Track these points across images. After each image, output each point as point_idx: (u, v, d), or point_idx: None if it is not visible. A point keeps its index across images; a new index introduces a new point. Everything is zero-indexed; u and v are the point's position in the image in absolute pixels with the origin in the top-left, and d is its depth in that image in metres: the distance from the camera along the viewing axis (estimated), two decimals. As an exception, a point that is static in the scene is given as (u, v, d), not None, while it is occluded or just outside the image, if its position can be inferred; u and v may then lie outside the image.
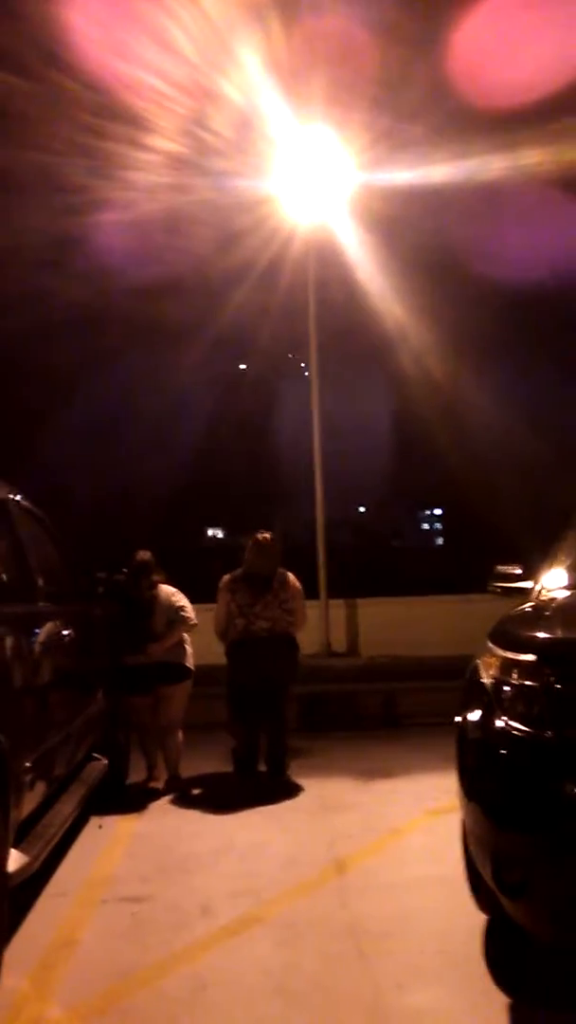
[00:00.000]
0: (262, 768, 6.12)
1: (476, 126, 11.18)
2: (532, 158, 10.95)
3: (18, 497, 4.71)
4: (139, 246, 13.62)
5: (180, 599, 6.17)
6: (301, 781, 6.01)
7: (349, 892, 4.16)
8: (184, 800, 5.80)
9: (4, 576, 4.12)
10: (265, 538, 6.16)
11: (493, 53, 10.57)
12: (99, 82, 9.99)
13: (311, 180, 9.85)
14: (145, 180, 10.84)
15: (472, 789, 3.32)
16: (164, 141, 10.42)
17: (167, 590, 6.18)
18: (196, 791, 5.97)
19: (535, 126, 10.72)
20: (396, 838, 4.90)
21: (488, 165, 11.00)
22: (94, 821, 5.27)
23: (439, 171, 10.80)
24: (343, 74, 10.66)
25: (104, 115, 10.22)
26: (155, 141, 10.40)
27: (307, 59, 10.31)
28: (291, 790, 5.87)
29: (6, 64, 9.86)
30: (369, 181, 10.33)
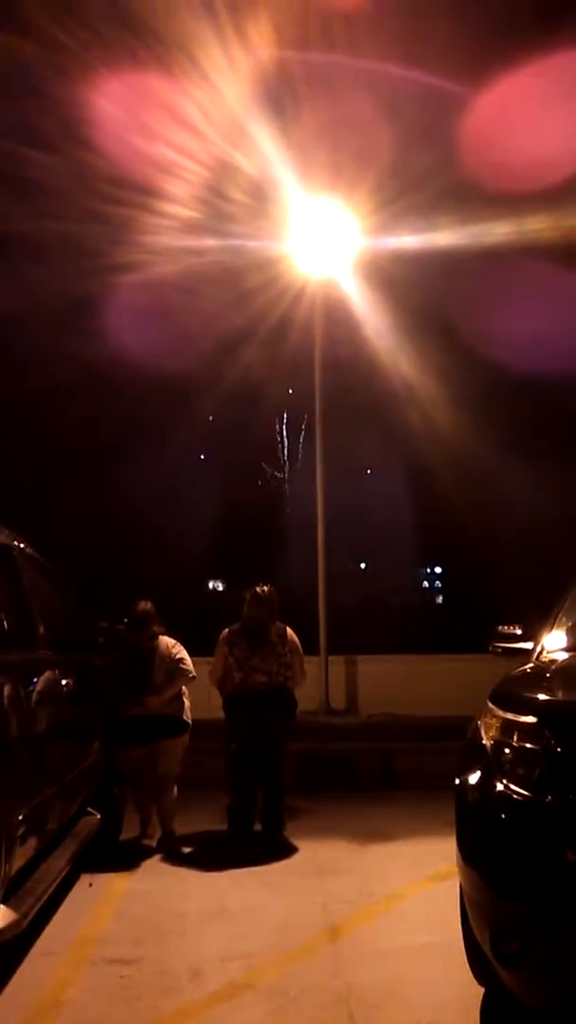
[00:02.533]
0: (258, 827, 6.02)
1: (479, 195, 11.50)
2: (535, 225, 11.24)
3: (22, 545, 4.73)
4: (154, 305, 13.94)
5: (180, 651, 6.14)
6: (297, 842, 5.90)
7: (343, 959, 4.06)
8: (177, 858, 5.70)
9: (5, 623, 4.12)
10: (264, 590, 6.16)
11: (497, 129, 10.91)
12: (119, 157, 10.37)
13: (319, 243, 10.09)
14: (161, 244, 11.16)
15: (470, 854, 3.27)
16: (180, 208, 10.77)
17: (167, 642, 6.16)
18: (190, 849, 5.87)
19: (540, 197, 11.03)
20: (393, 904, 4.79)
21: (491, 231, 11.28)
22: (85, 878, 5.17)
23: (443, 236, 11.08)
24: (351, 144, 11.02)
25: (123, 186, 10.59)
26: (172, 208, 10.75)
27: (316, 130, 10.68)
28: (286, 851, 5.76)
29: (30, 139, 10.25)
30: (375, 245, 10.58)
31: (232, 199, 10.88)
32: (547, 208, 10.91)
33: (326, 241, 10.04)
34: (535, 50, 9.97)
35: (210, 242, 11.17)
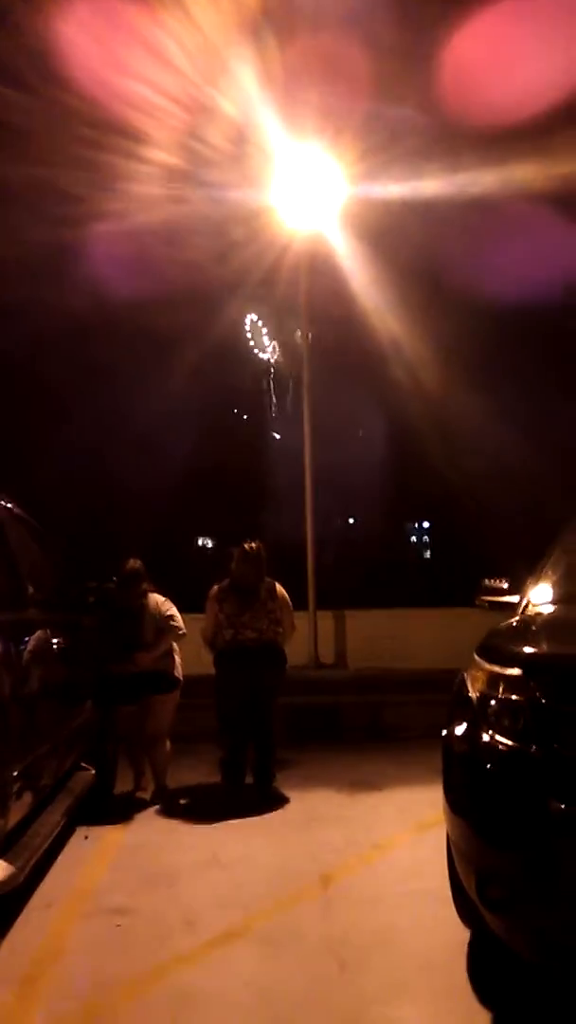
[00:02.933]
0: (249, 779, 6.12)
1: (467, 140, 11.30)
2: (523, 172, 11.08)
3: (8, 504, 4.71)
4: (136, 256, 13.68)
5: (169, 608, 6.17)
6: (288, 793, 6.01)
7: (334, 906, 4.16)
8: (171, 811, 5.79)
9: (-6, 585, 4.13)
10: (252, 547, 6.17)
11: (483, 69, 10.67)
12: (96, 96, 10.05)
13: (304, 192, 9.91)
14: (141, 192, 10.91)
15: (457, 803, 3.34)
16: (160, 153, 10.50)
17: (156, 599, 6.18)
18: (183, 802, 5.96)
19: (526, 141, 10.84)
20: (381, 852, 4.90)
21: (479, 179, 11.12)
22: (80, 831, 5.26)
23: (430, 184, 10.91)
24: (335, 89, 10.76)
25: (101, 128, 10.29)
26: (152, 153, 10.48)
27: (300, 74, 10.41)
28: (278, 802, 5.87)
29: (3, 78, 9.91)
30: (362, 193, 10.41)
31: (214, 145, 10.63)
32: (533, 151, 10.73)
33: (311, 190, 9.87)
34: None
35: (192, 190, 10.96)
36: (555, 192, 11.42)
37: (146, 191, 10.90)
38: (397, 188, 10.70)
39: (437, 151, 11.04)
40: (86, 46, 9.64)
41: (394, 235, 12.13)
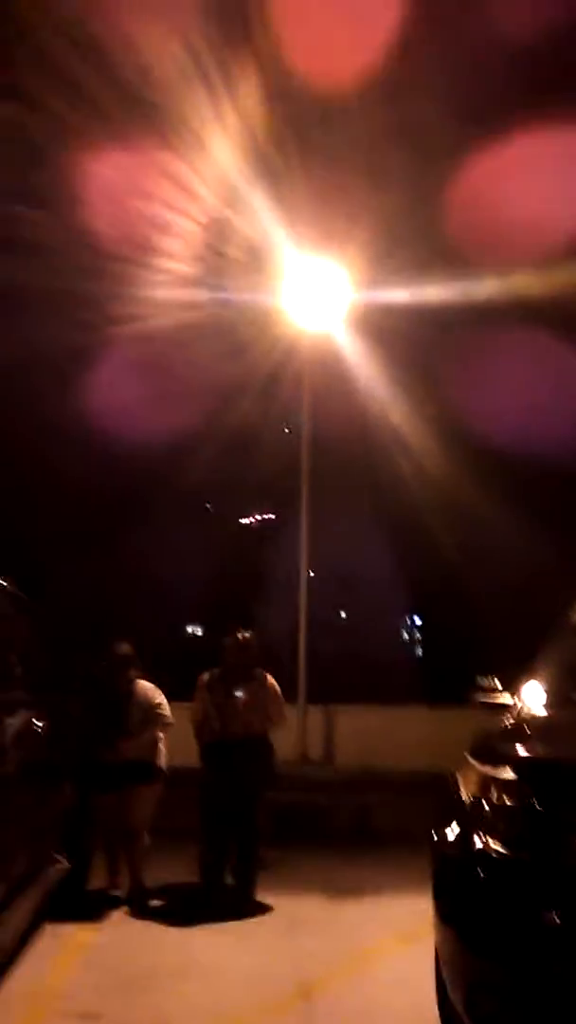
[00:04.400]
0: (230, 880, 5.89)
1: (469, 254, 11.80)
2: (522, 284, 11.52)
3: (2, 583, 4.69)
4: (149, 358, 14.18)
5: (157, 696, 6.06)
6: (269, 897, 5.77)
7: (314, 1018, 3.96)
8: (146, 910, 5.55)
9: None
10: (244, 636, 6.12)
11: (485, 193, 11.25)
12: (116, 217, 10.67)
13: (313, 299, 10.31)
14: (157, 299, 11.41)
15: (447, 912, 3.22)
16: (178, 264, 11.04)
17: (145, 686, 6.08)
18: (159, 901, 5.72)
19: (526, 257, 11.33)
20: (366, 963, 4.69)
21: (479, 289, 11.56)
22: (49, 928, 5.02)
23: (433, 291, 11.34)
24: (343, 204, 11.33)
25: (121, 245, 10.87)
26: (170, 265, 11.02)
27: (309, 191, 10.99)
28: (259, 906, 5.63)
29: (31, 203, 10.52)
30: (367, 299, 10.81)
31: (227, 257, 11.16)
32: (533, 269, 11.19)
33: (318, 295, 10.25)
34: (524, 120, 10.33)
35: (204, 296, 11.43)
36: (552, 307, 11.86)
37: (163, 298, 11.42)
38: (401, 294, 11.13)
39: (439, 262, 11.53)
40: (109, 175, 10.34)
41: (396, 337, 12.53)
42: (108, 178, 10.41)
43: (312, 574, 10.79)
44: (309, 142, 11.13)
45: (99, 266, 11.21)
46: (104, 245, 11.01)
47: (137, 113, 9.95)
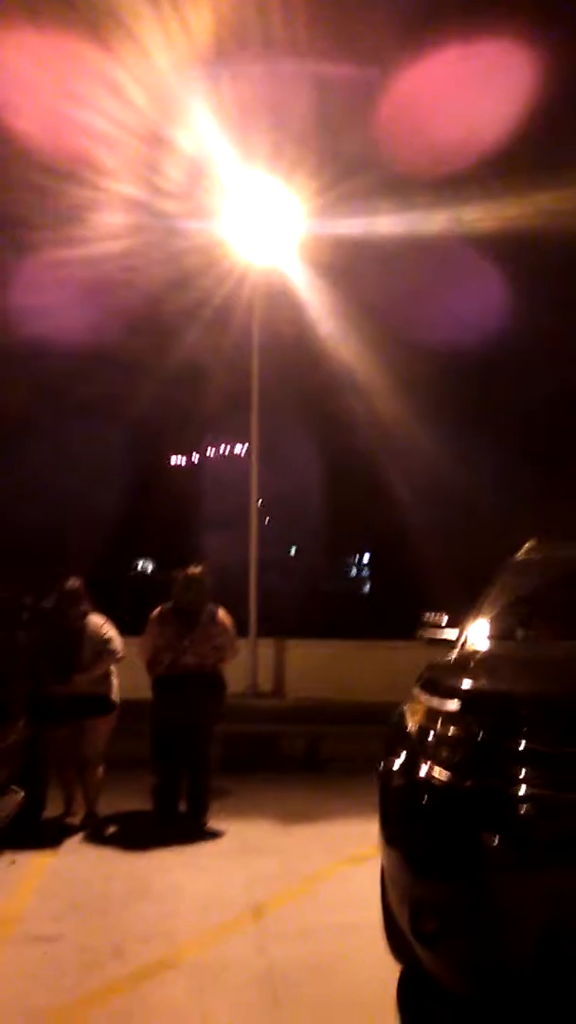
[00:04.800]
0: (182, 808, 6.05)
1: (419, 181, 11.62)
2: (472, 214, 11.42)
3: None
4: (92, 284, 13.69)
5: (109, 630, 6.10)
6: (221, 823, 5.95)
7: (266, 937, 4.13)
8: (101, 838, 5.69)
9: None
10: (196, 571, 6.16)
11: (434, 114, 11.03)
12: (50, 125, 10.10)
13: (259, 226, 10.04)
14: (98, 220, 10.95)
15: (392, 835, 3.37)
16: (117, 184, 10.56)
17: (96, 620, 6.11)
18: (113, 829, 5.86)
19: (475, 183, 11.21)
20: (315, 884, 4.89)
21: (431, 218, 11.43)
22: (6, 856, 5.13)
23: (384, 222, 11.16)
24: (291, 124, 10.98)
25: (56, 156, 10.33)
26: (108, 184, 10.53)
27: (255, 110, 10.60)
28: (210, 832, 5.81)
29: None
30: (317, 229, 10.60)
31: (170, 177, 10.73)
32: (481, 195, 11.08)
33: (266, 222, 10.00)
34: (457, 34, 10.09)
35: (148, 220, 11.02)
36: (497, 232, 11.80)
37: (103, 220, 10.94)
38: (352, 224, 10.93)
39: (388, 191, 11.33)
40: (42, 76, 9.68)
41: (349, 270, 12.37)
42: (41, 80, 9.77)
43: (260, 502, 10.80)
44: (257, 56, 10.69)
45: (35, 181, 10.68)
46: (39, 157, 10.42)
47: (72, 8, 9.34)
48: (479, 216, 11.38)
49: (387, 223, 11.13)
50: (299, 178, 10.13)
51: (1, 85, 9.89)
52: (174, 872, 5.01)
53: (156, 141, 10.55)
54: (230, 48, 10.28)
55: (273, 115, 10.86)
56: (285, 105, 11.19)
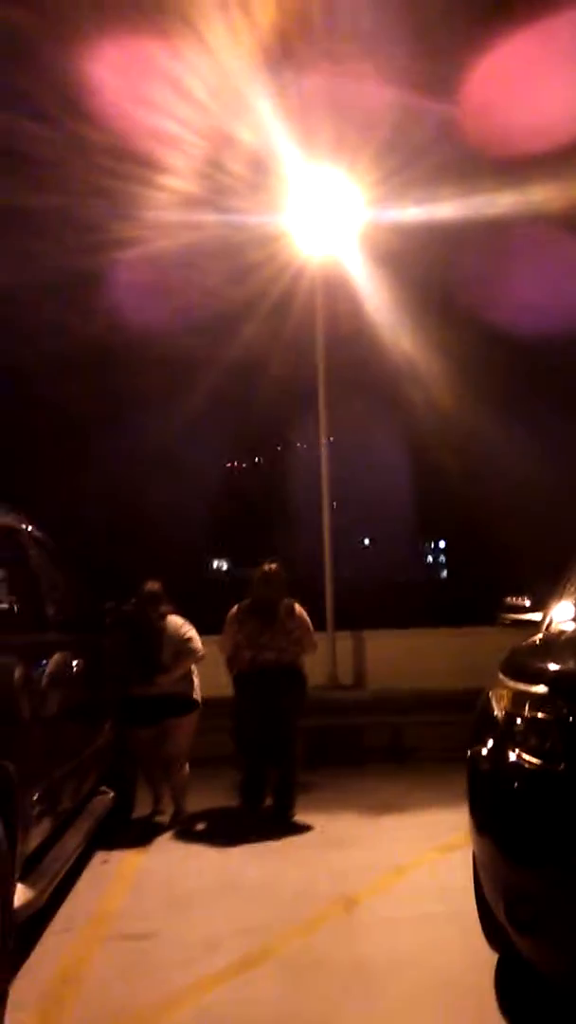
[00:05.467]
0: (269, 803, 6.06)
1: (483, 164, 11.38)
2: (540, 195, 11.11)
3: (29, 527, 4.72)
4: (154, 282, 13.84)
5: (188, 630, 6.15)
6: (308, 816, 5.94)
7: (357, 929, 4.10)
8: (190, 835, 5.74)
9: (14, 605, 4.13)
10: (271, 568, 6.16)
11: (500, 95, 10.77)
12: (116, 127, 10.25)
13: (321, 216, 9.99)
14: (160, 218, 11.07)
15: (484, 823, 3.29)
16: (180, 181, 10.65)
17: (176, 621, 6.17)
18: (201, 826, 5.91)
19: (543, 165, 10.90)
20: (404, 875, 4.83)
21: (495, 201, 11.17)
22: (99, 855, 5.22)
23: (446, 207, 10.97)
24: (352, 114, 10.87)
25: (121, 158, 10.48)
26: (171, 182, 10.63)
27: (316, 101, 10.53)
28: (298, 825, 5.80)
29: (26, 109, 10.13)
30: (378, 217, 10.49)
31: (232, 172, 10.76)
32: (550, 176, 10.77)
33: (328, 214, 9.94)
34: (532, 15, 9.82)
35: (210, 216, 11.07)
36: (571, 216, 11.47)
37: (166, 218, 11.05)
38: (414, 211, 10.77)
39: (453, 174, 11.11)
40: (108, 80, 9.83)
41: (411, 258, 12.21)
42: (107, 83, 9.96)
43: (335, 505, 10.76)
44: (317, 46, 10.62)
45: (97, 182, 10.87)
46: (102, 159, 10.64)
47: (135, 10, 9.47)
48: (548, 196, 11.08)
49: (450, 208, 10.94)
50: (360, 167, 10.05)
51: (66, 87, 10.08)
52: (263, 866, 5.02)
53: (218, 137, 10.61)
54: (292, 42, 10.25)
55: (334, 106, 10.78)
56: (346, 96, 11.11)
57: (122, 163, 10.45)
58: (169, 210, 10.87)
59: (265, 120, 9.71)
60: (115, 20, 9.55)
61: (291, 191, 9.88)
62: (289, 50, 10.01)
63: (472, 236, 12.36)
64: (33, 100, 10.15)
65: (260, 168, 10.25)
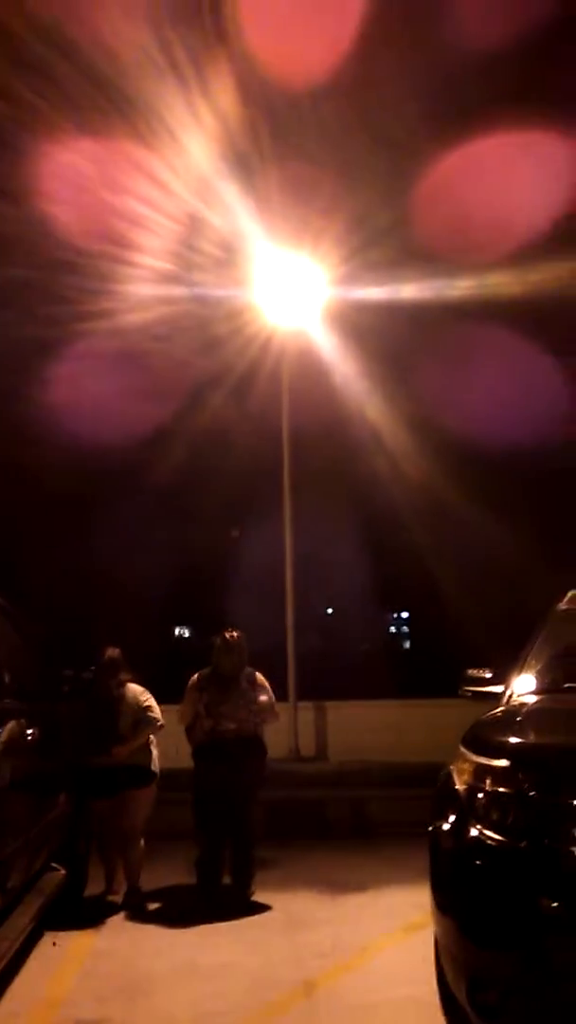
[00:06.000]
0: (227, 881, 5.89)
1: (442, 250, 11.85)
2: (495, 279, 11.57)
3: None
4: (123, 352, 14.09)
5: (148, 699, 6.04)
6: (268, 895, 5.77)
7: (318, 1015, 3.96)
8: (144, 915, 5.54)
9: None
10: (233, 636, 6.11)
11: (458, 186, 11.28)
12: (88, 209, 10.61)
13: (287, 293, 10.30)
14: (130, 293, 11.35)
15: (445, 903, 3.24)
16: (150, 259, 10.97)
17: (135, 689, 6.06)
18: (157, 905, 5.71)
19: (499, 255, 11.39)
20: (367, 957, 4.70)
21: (453, 284, 11.60)
22: (49, 936, 5.00)
23: (407, 288, 11.37)
24: (316, 199, 11.33)
25: (93, 238, 10.80)
26: (142, 259, 10.95)
27: (282, 186, 10.99)
28: (257, 905, 5.63)
29: (2, 192, 10.44)
30: (342, 295, 10.83)
31: (201, 251, 11.11)
32: (507, 266, 11.24)
33: (293, 291, 10.25)
34: (495, 118, 10.39)
35: (179, 292, 11.37)
36: (525, 301, 11.93)
37: (135, 293, 11.35)
38: (376, 291, 11.16)
39: (414, 258, 11.56)
40: (81, 166, 10.23)
41: (373, 333, 12.56)
42: (80, 170, 10.37)
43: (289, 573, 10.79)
44: (282, 136, 11.14)
45: (70, 260, 11.17)
46: (76, 239, 10.97)
47: (108, 105, 9.91)
48: (503, 281, 11.54)
49: (411, 289, 11.35)
50: (324, 248, 10.42)
51: (45, 176, 10.44)
52: (221, 949, 4.85)
53: (188, 219, 10.99)
54: (258, 132, 10.72)
55: (299, 192, 11.23)
56: (310, 183, 11.58)
57: (94, 242, 10.79)
58: (139, 285, 11.18)
59: (232, 203, 10.09)
60: (86, 110, 9.96)
61: (258, 269, 10.21)
62: (255, 139, 10.48)
63: (432, 316, 12.77)
64: (5, 183, 10.50)
65: (228, 248, 10.61)
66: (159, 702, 6.11)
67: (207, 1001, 4.09)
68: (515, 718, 3.73)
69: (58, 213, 10.75)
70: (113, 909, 5.62)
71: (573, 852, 2.87)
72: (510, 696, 4.22)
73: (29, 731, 4.59)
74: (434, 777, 3.76)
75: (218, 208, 10.63)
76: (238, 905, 5.58)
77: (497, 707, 4.14)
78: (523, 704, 4.01)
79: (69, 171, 10.45)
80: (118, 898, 5.80)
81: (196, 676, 6.12)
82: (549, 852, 2.92)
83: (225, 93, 9.90)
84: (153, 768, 5.97)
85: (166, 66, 9.54)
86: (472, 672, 4.71)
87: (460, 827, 3.25)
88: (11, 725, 4.30)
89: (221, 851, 5.88)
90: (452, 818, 3.33)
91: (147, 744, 5.98)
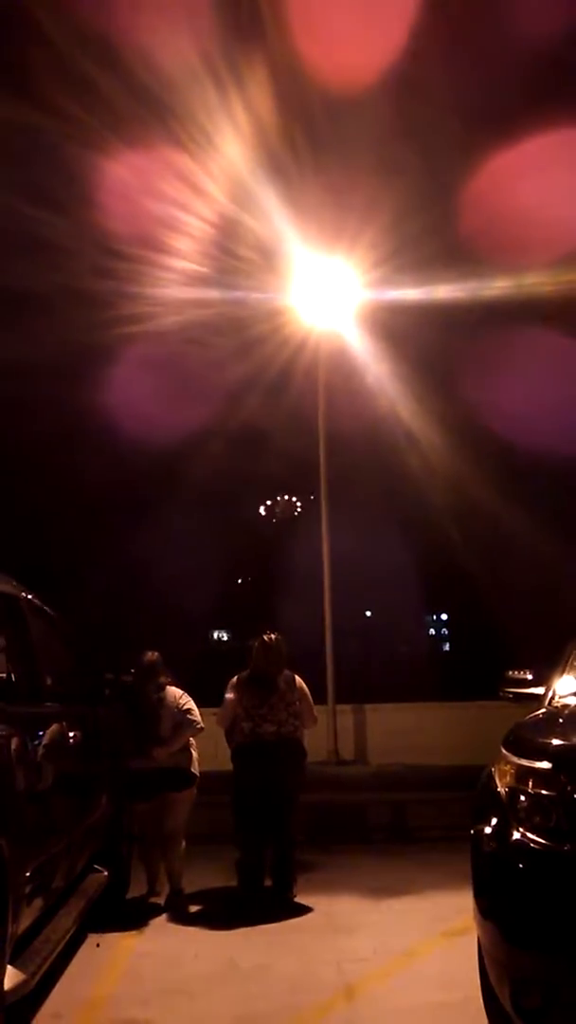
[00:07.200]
0: (268, 883, 5.89)
1: (478, 251, 11.80)
2: (531, 279, 11.47)
3: (28, 595, 4.71)
4: (161, 355, 14.27)
5: (187, 702, 6.07)
6: (308, 898, 5.76)
7: (359, 1019, 3.94)
8: (186, 917, 5.56)
9: (11, 675, 4.10)
10: (271, 638, 6.11)
11: (495, 187, 11.22)
12: (130, 217, 10.82)
13: (322, 296, 10.31)
14: (169, 297, 11.50)
15: (488, 907, 3.19)
16: (189, 264, 11.12)
17: (174, 692, 6.09)
18: (198, 907, 5.73)
19: (535, 257, 11.30)
20: (408, 961, 4.66)
21: (489, 284, 11.52)
22: (92, 938, 5.05)
23: (442, 289, 11.32)
24: (353, 202, 11.36)
25: (134, 244, 10.99)
26: (181, 264, 11.10)
27: (319, 189, 11.05)
28: (298, 908, 5.62)
29: (45, 202, 10.68)
30: (377, 297, 10.82)
31: (238, 255, 11.21)
32: (543, 267, 11.15)
33: (329, 294, 10.25)
34: (535, 119, 10.33)
35: (216, 295, 11.47)
36: (562, 306, 11.82)
37: (174, 296, 11.50)
38: (411, 292, 11.13)
39: (449, 259, 11.54)
40: (123, 175, 10.46)
41: (409, 334, 12.54)
42: (121, 178, 10.59)
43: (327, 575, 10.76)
44: (320, 141, 11.22)
45: (112, 266, 11.36)
46: (117, 245, 11.18)
47: (149, 113, 10.10)
48: (539, 281, 11.44)
49: (446, 290, 11.31)
50: (359, 251, 10.43)
51: (90, 186, 10.66)
52: (262, 951, 4.85)
53: (227, 225, 11.10)
54: (295, 137, 10.81)
55: (335, 197, 11.30)
56: (345, 188, 11.63)
57: (135, 249, 10.97)
58: (178, 289, 11.32)
59: (270, 208, 10.16)
60: (128, 120, 10.12)
61: (294, 272, 10.23)
62: (292, 145, 10.54)
63: (467, 317, 12.72)
64: (50, 193, 10.74)
65: (265, 251, 10.68)
66: (198, 705, 6.14)
67: (248, 1003, 4.09)
68: (557, 720, 3.68)
69: (101, 221, 10.96)
70: (155, 911, 5.65)
71: (617, 855, 2.82)
72: (552, 698, 4.16)
73: (71, 734, 4.63)
74: (474, 780, 3.72)
75: (256, 212, 10.72)
76: (280, 908, 5.58)
77: (538, 709, 4.09)
78: (565, 706, 3.96)
79: (112, 180, 10.65)
80: (160, 900, 5.83)
81: (235, 678, 6.13)
82: (593, 855, 2.88)
83: (262, 100, 9.99)
84: (193, 770, 5.99)
85: (207, 76, 9.67)
86: (512, 674, 4.66)
87: (502, 830, 3.21)
88: (53, 728, 4.34)
89: (262, 853, 5.89)
90: (494, 821, 3.29)
91: (187, 747, 6.00)
